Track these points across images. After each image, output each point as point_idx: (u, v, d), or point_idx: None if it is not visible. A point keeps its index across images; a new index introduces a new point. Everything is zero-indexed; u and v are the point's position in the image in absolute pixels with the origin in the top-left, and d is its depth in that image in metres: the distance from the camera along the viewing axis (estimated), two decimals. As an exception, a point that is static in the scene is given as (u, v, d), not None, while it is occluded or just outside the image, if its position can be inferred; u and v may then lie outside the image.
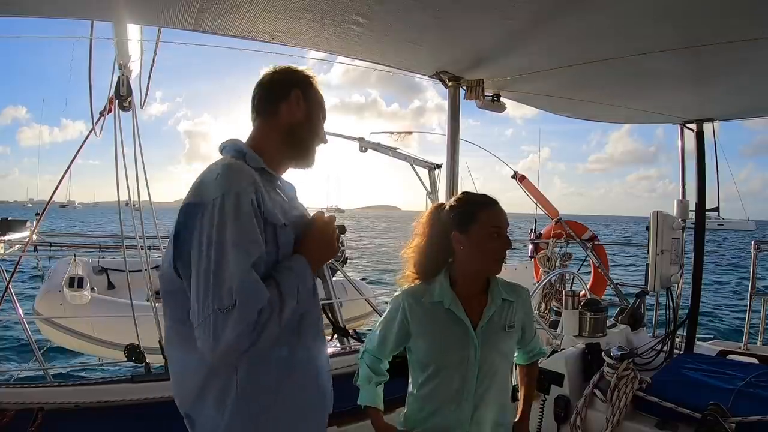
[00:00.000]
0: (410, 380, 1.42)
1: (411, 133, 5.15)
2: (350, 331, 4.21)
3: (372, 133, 4.85)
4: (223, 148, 1.12)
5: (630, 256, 16.59)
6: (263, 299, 0.93)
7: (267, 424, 1.02)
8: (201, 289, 0.92)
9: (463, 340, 1.31)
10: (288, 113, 1.14)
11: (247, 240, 0.95)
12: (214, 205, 0.93)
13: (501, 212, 1.35)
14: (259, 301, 0.92)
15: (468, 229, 1.32)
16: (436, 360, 1.34)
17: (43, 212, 3.14)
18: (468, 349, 1.30)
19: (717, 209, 2.79)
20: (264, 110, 1.15)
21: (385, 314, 1.45)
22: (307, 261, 1.05)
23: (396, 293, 1.43)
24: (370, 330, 1.52)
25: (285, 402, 1.04)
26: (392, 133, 4.99)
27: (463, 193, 1.45)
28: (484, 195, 1.39)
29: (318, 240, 1.10)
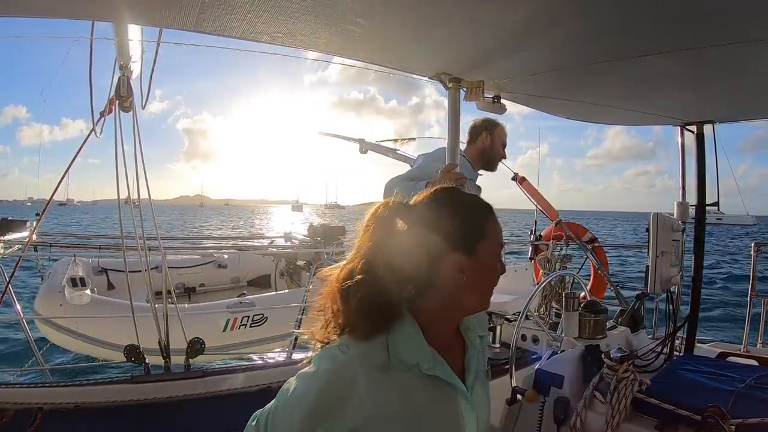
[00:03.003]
0: None
1: (414, 139, 5.78)
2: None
3: (378, 142, 5.18)
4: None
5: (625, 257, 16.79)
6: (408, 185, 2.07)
7: None
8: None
9: (455, 419, 0.85)
10: (481, 143, 2.45)
11: (420, 170, 2.22)
12: (420, 157, 2.47)
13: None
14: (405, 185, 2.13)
15: (476, 248, 0.86)
16: None
17: (43, 212, 3.13)
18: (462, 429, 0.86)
19: (717, 204, 2.80)
20: (471, 139, 2.47)
21: (299, 389, 0.79)
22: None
23: (326, 354, 0.81)
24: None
25: None
26: (396, 140, 5.32)
27: (443, 189, 0.92)
28: (476, 196, 0.95)
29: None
